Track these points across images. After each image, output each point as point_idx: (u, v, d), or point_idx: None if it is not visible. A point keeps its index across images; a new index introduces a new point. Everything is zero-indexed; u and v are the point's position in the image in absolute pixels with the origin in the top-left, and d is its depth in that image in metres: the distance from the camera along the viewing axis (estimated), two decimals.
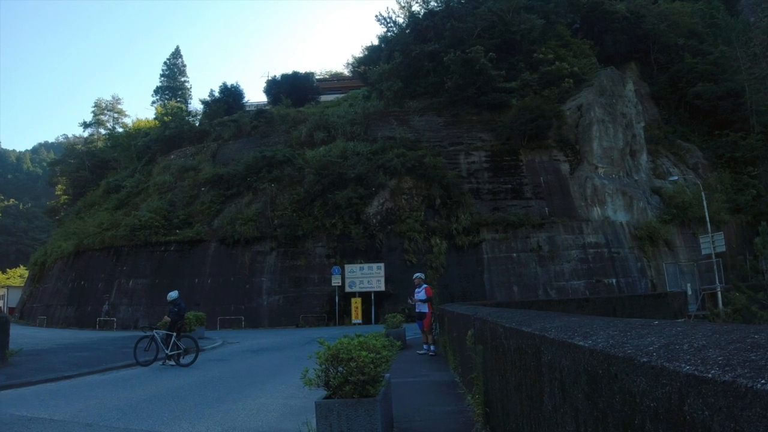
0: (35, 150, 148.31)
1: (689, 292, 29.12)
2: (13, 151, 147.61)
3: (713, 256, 28.08)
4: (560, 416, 2.63)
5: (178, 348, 14.38)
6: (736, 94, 43.85)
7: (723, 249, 28.38)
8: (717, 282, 27.40)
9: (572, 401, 2.42)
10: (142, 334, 15.21)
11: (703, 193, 31.87)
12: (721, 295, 25.87)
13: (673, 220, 35.90)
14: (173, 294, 15.35)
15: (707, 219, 30.29)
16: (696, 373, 1.40)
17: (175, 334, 14.44)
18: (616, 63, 44.93)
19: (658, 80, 48.53)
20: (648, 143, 40.91)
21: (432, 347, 14.84)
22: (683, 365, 1.49)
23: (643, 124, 41.36)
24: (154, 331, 14.70)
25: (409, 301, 15.66)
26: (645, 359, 1.68)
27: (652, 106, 47.06)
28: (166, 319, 14.96)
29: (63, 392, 10.60)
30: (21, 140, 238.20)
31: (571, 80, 38.71)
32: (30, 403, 9.32)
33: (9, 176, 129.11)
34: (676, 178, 37.21)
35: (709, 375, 1.35)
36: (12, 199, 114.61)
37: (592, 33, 47.23)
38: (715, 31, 51.90)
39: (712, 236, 28.59)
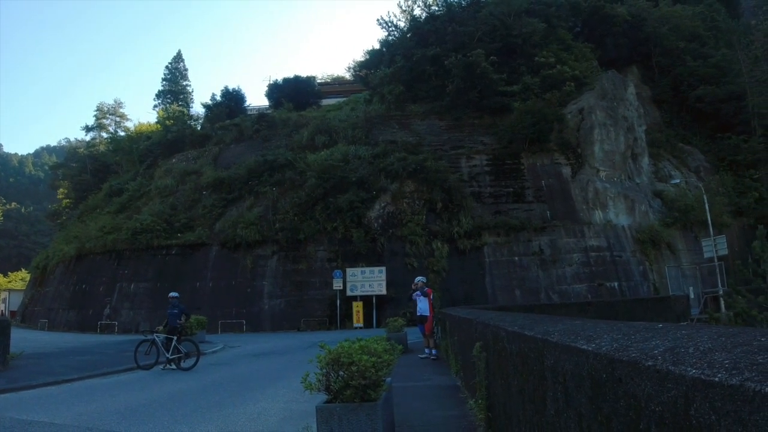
0: (37, 154, 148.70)
1: (692, 296, 29.04)
2: (15, 154, 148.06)
3: (715, 260, 28.04)
4: (563, 421, 2.60)
5: (179, 352, 14.37)
6: (738, 97, 43.82)
7: (725, 252, 28.34)
8: (719, 285, 27.34)
9: (576, 406, 2.39)
10: (142, 337, 15.19)
11: (705, 196, 31.81)
12: (723, 298, 25.81)
13: (675, 224, 35.85)
14: (174, 293, 15.60)
15: (709, 222, 30.24)
16: (702, 376, 1.38)
17: (175, 337, 14.43)
18: (617, 66, 44.99)
19: (660, 83, 48.54)
20: (650, 146, 40.89)
21: (434, 351, 14.82)
22: (689, 369, 1.46)
23: (644, 127, 41.34)
24: (155, 334, 14.69)
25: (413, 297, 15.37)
26: (650, 363, 1.66)
27: (653, 109, 47.06)
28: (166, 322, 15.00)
29: (64, 396, 10.58)
30: (23, 144, 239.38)
31: (573, 84, 38.71)
32: (30, 407, 9.30)
33: (11, 180, 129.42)
34: (677, 181, 37.17)
35: (716, 379, 1.32)
36: (14, 203, 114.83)
37: (593, 37, 47.25)
38: (717, 34, 51.93)
39: (714, 239, 28.55)
